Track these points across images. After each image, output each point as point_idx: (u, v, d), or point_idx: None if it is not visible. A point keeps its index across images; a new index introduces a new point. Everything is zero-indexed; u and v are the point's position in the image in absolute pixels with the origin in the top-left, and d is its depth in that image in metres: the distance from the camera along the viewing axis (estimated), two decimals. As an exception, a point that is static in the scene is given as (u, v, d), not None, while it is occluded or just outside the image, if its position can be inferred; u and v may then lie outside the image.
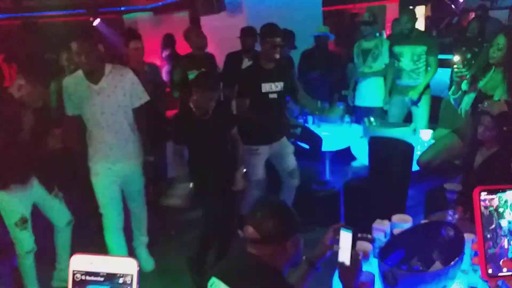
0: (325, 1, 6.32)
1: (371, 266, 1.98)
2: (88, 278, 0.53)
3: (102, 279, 0.53)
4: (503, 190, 0.63)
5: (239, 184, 3.24)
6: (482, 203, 0.62)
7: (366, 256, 2.04)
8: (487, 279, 0.63)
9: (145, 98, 3.00)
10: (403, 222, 2.22)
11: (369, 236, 2.19)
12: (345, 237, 1.57)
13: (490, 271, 0.61)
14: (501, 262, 0.62)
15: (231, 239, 3.31)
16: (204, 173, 3.00)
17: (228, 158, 3.17)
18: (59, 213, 3.06)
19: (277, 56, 3.36)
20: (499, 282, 0.64)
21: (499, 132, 2.43)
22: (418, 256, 1.96)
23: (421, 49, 4.56)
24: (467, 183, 2.51)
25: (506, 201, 0.63)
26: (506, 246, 0.62)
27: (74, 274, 0.53)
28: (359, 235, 2.09)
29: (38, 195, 2.93)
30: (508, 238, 0.63)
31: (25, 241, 2.85)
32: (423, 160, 3.54)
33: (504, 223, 0.62)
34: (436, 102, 5.01)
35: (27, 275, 2.92)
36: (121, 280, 0.54)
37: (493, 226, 0.62)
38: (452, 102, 3.39)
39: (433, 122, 4.83)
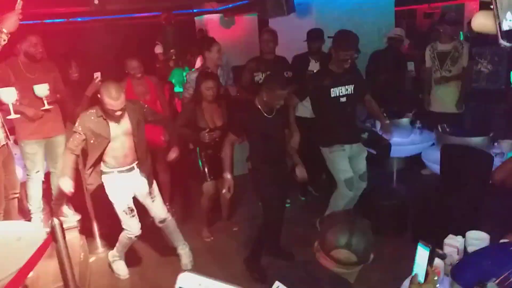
0: (398, 0, 6.07)
1: (442, 285, 1.88)
2: None
3: None
4: None
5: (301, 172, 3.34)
6: None
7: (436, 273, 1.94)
8: None
9: None
10: (478, 239, 2.10)
11: (440, 251, 2.08)
12: (422, 254, 1.51)
13: None
14: None
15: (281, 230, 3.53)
16: (263, 166, 3.22)
17: (284, 153, 3.36)
18: (154, 209, 3.37)
19: (348, 65, 3.41)
20: None
21: None
22: (496, 279, 1.83)
23: (503, 50, 4.25)
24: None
25: None
26: None
27: None
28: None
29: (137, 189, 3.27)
30: None
31: (133, 226, 3.22)
32: (498, 177, 3.25)
33: None
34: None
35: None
36: None
37: None
38: None
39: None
